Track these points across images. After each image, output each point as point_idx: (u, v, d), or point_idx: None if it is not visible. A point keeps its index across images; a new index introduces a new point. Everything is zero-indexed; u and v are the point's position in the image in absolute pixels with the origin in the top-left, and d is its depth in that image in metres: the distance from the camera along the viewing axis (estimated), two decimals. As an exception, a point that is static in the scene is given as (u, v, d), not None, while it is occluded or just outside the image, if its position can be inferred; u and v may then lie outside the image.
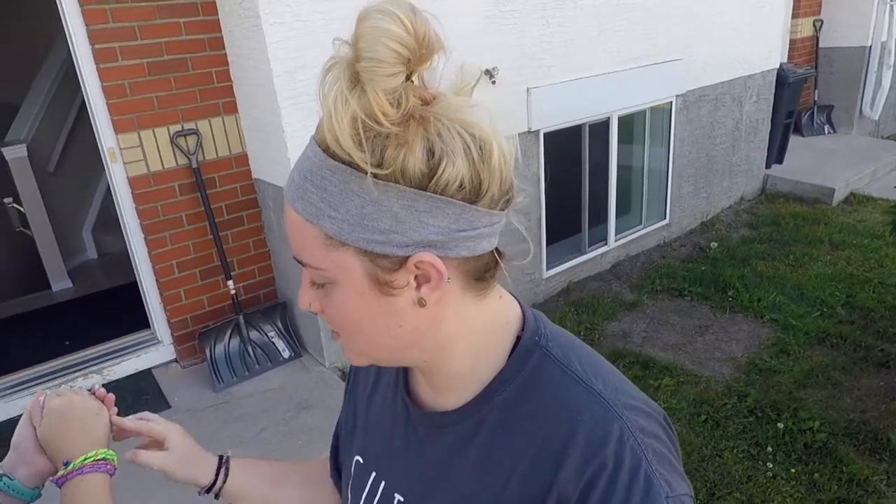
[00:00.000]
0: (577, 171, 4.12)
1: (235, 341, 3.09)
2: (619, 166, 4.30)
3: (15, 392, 2.88)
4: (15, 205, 3.44)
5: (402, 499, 0.67)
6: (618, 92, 4.06)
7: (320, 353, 3.17)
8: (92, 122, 2.91)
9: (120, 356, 3.12)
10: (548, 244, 4.06)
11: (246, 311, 3.18)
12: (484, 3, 3.25)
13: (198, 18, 2.96)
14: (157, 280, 3.08)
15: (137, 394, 2.98)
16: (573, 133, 3.97)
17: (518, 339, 0.63)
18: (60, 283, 3.90)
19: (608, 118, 4.10)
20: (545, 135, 3.78)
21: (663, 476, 0.55)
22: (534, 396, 0.60)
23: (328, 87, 0.51)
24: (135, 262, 3.07)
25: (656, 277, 4.26)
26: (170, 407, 2.89)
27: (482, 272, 0.59)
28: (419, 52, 0.50)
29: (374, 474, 0.72)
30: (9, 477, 0.82)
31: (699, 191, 5.02)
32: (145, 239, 3.02)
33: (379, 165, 0.51)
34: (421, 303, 0.56)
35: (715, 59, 4.70)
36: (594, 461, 0.55)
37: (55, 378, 2.95)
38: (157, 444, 0.87)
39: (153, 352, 3.18)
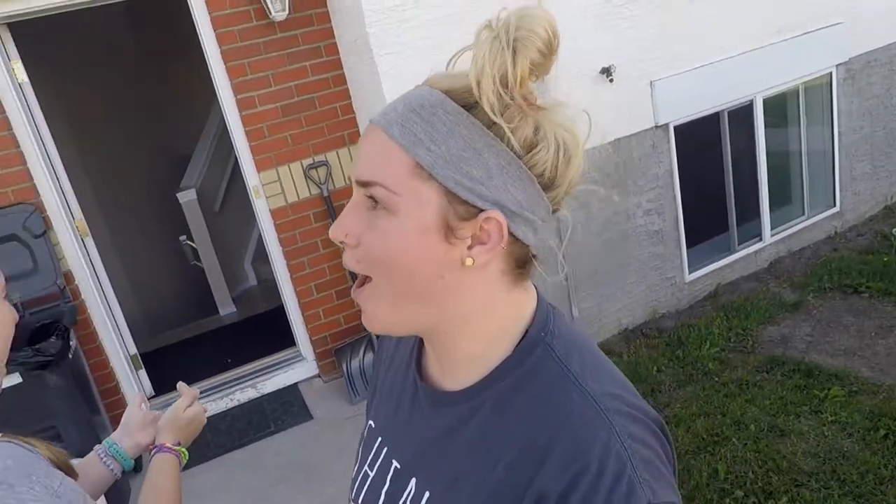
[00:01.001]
0: (717, 164, 3.78)
1: (369, 356, 3.25)
2: (769, 153, 3.88)
3: (189, 404, 3.29)
4: (188, 242, 4.00)
5: (398, 466, 0.70)
6: (760, 71, 3.68)
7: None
8: (239, 163, 3.28)
9: (271, 372, 3.44)
10: (689, 245, 3.77)
11: (378, 328, 3.33)
12: (595, -1, 3.14)
13: (321, 60, 3.21)
14: (299, 301, 3.36)
15: (285, 406, 3.26)
16: (709, 122, 3.67)
17: (527, 331, 0.64)
18: (226, 309, 4.42)
19: (750, 101, 3.73)
20: (675, 128, 3.54)
21: (647, 482, 0.54)
22: (529, 390, 0.61)
23: (484, 37, 0.56)
24: (280, 286, 3.38)
25: (825, 273, 3.75)
26: (312, 418, 3.12)
27: (522, 262, 0.62)
28: (551, 54, 0.56)
29: (380, 439, 0.75)
30: (117, 445, 1.10)
31: (878, 170, 4.34)
32: (287, 264, 3.31)
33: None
34: (466, 261, 0.58)
35: (888, 15, 4.05)
36: (578, 462, 0.55)
37: (219, 391, 3.33)
38: None
39: (298, 368, 3.46)
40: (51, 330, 2.52)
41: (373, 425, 0.79)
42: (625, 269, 3.59)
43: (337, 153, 3.33)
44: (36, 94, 2.86)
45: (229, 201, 4.49)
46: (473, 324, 0.62)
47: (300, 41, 3.14)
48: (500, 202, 0.57)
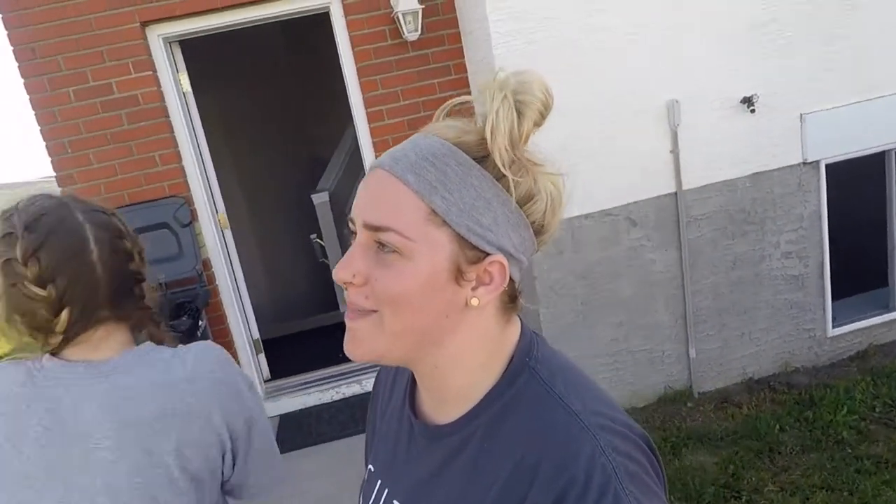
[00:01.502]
0: (878, 209, 3.36)
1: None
2: (946, 201, 3.37)
3: (299, 390, 3.54)
4: (318, 240, 4.27)
5: None
6: (941, 108, 3.20)
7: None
8: (365, 171, 3.46)
9: (375, 370, 3.56)
10: (835, 297, 3.37)
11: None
12: (739, 23, 2.93)
13: (450, 78, 3.31)
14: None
15: (383, 407, 3.36)
16: (871, 162, 3.27)
17: (512, 359, 0.67)
18: (345, 306, 4.63)
19: (927, 141, 3.26)
20: (827, 165, 3.19)
21: (633, 494, 0.56)
22: (517, 413, 0.63)
23: (495, 96, 0.60)
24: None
25: None
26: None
27: (513, 298, 0.67)
28: (547, 114, 0.62)
29: (379, 482, 0.77)
30: None
31: None
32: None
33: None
34: (472, 301, 0.62)
35: None
36: (565, 475, 0.57)
37: (327, 383, 3.54)
38: None
39: (401, 371, 3.57)
40: (184, 309, 2.84)
41: (372, 469, 0.80)
42: (755, 314, 3.29)
43: (457, 168, 3.39)
44: (196, 102, 3.24)
45: (359, 205, 4.75)
46: (466, 358, 0.65)
47: (431, 60, 3.26)
48: (503, 247, 0.62)
